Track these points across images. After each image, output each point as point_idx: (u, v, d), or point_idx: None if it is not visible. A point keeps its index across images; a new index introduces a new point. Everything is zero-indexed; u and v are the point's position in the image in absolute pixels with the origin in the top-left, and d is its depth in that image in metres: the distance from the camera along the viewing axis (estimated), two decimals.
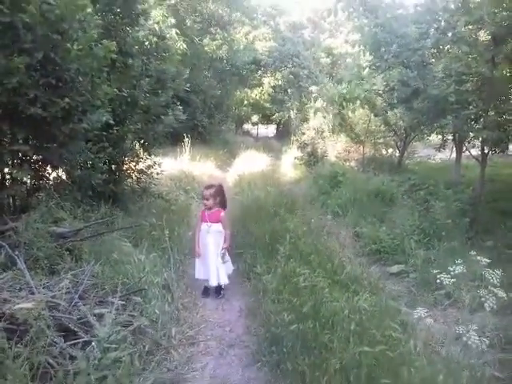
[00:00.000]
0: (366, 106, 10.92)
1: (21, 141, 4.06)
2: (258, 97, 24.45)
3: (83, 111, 4.27)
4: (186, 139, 13.23)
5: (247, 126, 30.83)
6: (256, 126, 30.47)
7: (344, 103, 9.72)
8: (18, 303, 2.53)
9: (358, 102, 9.69)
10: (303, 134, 15.06)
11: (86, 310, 2.75)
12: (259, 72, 23.51)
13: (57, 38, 3.77)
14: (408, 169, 12.58)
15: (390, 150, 14.49)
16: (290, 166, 13.92)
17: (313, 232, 6.17)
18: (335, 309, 3.67)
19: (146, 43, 6.87)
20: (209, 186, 5.12)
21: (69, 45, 3.90)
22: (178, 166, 11.13)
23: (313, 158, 13.08)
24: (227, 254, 5.05)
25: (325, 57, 23.49)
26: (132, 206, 6.28)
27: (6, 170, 4.22)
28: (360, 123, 13.00)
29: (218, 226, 4.93)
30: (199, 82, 16.64)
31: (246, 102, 24.14)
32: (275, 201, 7.49)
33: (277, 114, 24.88)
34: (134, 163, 6.91)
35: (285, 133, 23.00)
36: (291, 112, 20.46)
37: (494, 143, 6.62)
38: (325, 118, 13.74)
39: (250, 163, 13.37)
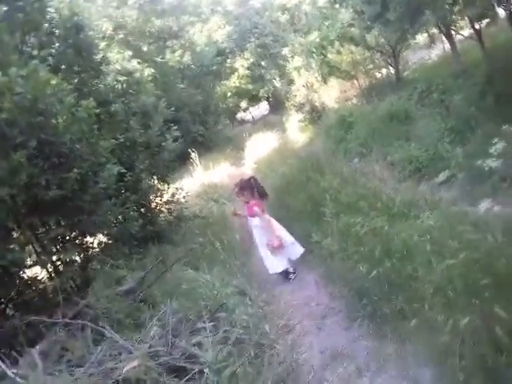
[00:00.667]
0: (345, 43, 10.68)
1: (54, 226, 4.22)
2: (237, 83, 24.25)
3: (94, 173, 4.36)
4: (193, 154, 13.29)
5: (240, 115, 30.63)
6: (248, 111, 30.22)
7: (323, 50, 9.50)
8: (124, 366, 2.65)
9: (337, 42, 9.44)
10: (295, 96, 14.87)
11: (184, 345, 2.85)
12: (228, 60, 23.24)
13: (40, 120, 3.86)
14: (409, 80, 12.20)
15: (384, 71, 14.10)
16: (297, 131, 13.78)
17: (347, 180, 6.13)
18: (404, 239, 3.65)
19: (118, 86, 6.92)
20: (235, 185, 5.17)
21: (53, 120, 3.99)
22: (196, 181, 11.25)
23: (315, 114, 12.92)
24: (286, 237, 5.00)
25: (281, 15, 22.96)
26: (175, 235, 6.42)
27: (55, 257, 4.38)
28: (344, 59, 12.70)
29: (256, 220, 4.98)
30: (178, 96, 16.64)
31: (229, 94, 23.97)
32: (300, 169, 7.48)
33: (262, 90, 24.61)
34: (158, 198, 7.05)
35: (278, 104, 22.73)
36: (274, 82, 20.21)
37: (480, 16, 6.34)
38: (308, 71, 13.53)
39: (259, 147, 13.36)
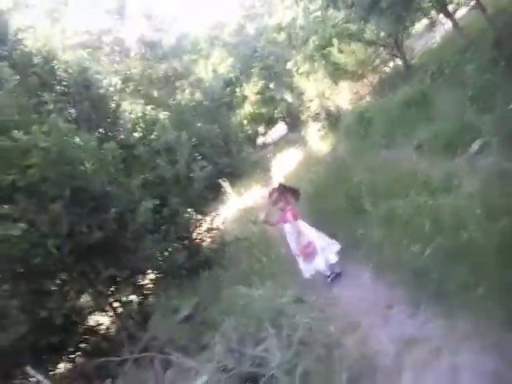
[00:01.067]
0: (344, 40, 10.74)
1: (103, 268, 4.35)
2: (251, 109, 24.64)
3: (131, 211, 4.50)
4: (223, 183, 13.50)
5: (260, 140, 30.95)
6: (267, 135, 30.52)
7: (324, 50, 9.55)
8: None
9: (336, 41, 9.48)
10: (308, 107, 14.95)
11: (251, 352, 2.82)
12: (237, 89, 23.74)
13: (69, 169, 4.04)
14: (418, 66, 12.07)
15: (392, 64, 14.05)
16: (318, 140, 13.73)
17: (378, 171, 6.03)
18: (451, 209, 3.54)
19: (138, 131, 7.18)
20: (269, 195, 5.18)
21: (81, 167, 4.17)
22: (231, 208, 11.39)
23: (332, 119, 12.91)
24: (319, 240, 4.93)
25: (277, 35, 23.39)
26: (222, 260, 6.45)
27: (111, 299, 4.50)
28: (349, 61, 12.75)
29: (287, 226, 4.97)
30: (197, 133, 17.02)
31: (245, 121, 24.35)
32: (327, 172, 7.47)
33: (276, 111, 24.87)
34: (198, 228, 7.16)
35: (294, 121, 22.84)
36: (284, 98, 20.43)
37: None
38: (314, 77, 13.65)
39: (284, 164, 13.44)
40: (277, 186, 5.23)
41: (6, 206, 3.93)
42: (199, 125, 17.75)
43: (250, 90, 23.69)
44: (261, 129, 28.01)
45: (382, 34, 12.35)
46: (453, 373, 2.90)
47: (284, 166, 13.27)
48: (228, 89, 21.71)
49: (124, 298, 4.38)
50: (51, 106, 5.01)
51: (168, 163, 6.85)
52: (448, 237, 3.38)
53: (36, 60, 6.28)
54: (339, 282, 4.95)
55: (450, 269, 3.27)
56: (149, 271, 5.17)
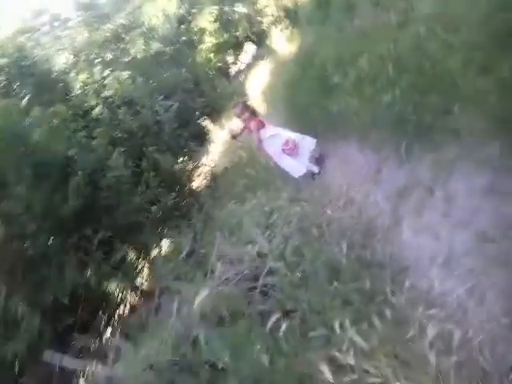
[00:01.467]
0: None
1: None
2: (213, 40, 23.32)
3: (101, 169, 4.33)
4: (204, 123, 13.17)
5: (233, 69, 29.66)
6: (238, 62, 29.11)
7: None
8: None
9: None
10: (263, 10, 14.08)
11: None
12: (192, 25, 22.37)
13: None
14: None
15: None
16: (285, 43, 12.97)
17: (344, 44, 5.59)
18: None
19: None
20: (234, 113, 5.24)
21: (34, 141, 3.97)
22: (219, 144, 11.19)
23: (291, 15, 12.15)
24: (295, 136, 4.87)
25: None
26: (216, 192, 6.38)
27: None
28: None
29: (262, 133, 4.93)
30: (165, 81, 16.36)
31: (211, 55, 23.16)
32: (299, 71, 7.06)
33: (238, 33, 23.52)
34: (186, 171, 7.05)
35: (259, 34, 21.58)
36: (239, 11, 19.32)
37: None
38: None
39: (258, 80, 12.97)
40: (238, 103, 5.26)
41: None
42: (164, 74, 16.99)
43: (206, 19, 22.26)
44: (230, 58, 26.68)
45: None
46: (448, 203, 2.81)
47: (258, 83, 12.71)
48: (182, 26, 20.42)
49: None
50: None
51: (131, 115, 6.58)
52: (413, 73, 3.10)
53: None
54: (326, 167, 4.80)
55: (422, 103, 3.05)
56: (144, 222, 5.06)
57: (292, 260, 2.52)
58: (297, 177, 4.91)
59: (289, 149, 4.78)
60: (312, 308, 2.20)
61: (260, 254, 2.84)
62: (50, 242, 3.93)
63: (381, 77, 3.43)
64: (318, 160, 4.86)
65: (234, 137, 5.46)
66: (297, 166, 4.85)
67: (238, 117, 5.07)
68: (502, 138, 2.53)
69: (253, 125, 4.89)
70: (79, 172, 4.01)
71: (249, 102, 5.41)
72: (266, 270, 2.63)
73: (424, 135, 3.24)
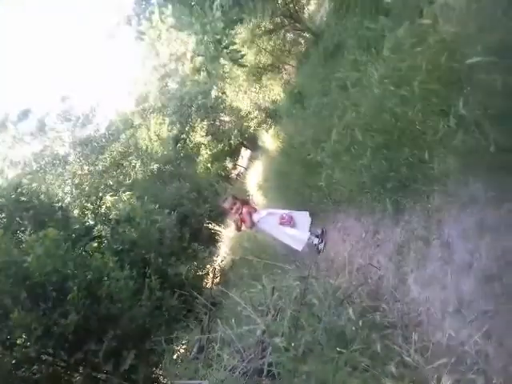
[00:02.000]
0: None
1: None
2: (208, 152, 24.74)
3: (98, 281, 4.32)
4: (211, 225, 13.39)
5: (234, 173, 31.01)
6: (237, 167, 30.52)
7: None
8: None
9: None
10: (247, 115, 15.17)
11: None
12: (188, 141, 23.92)
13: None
14: (323, 27, 12.19)
15: (302, 41, 14.20)
16: (272, 139, 13.75)
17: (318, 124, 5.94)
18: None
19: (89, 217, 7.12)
20: (228, 208, 5.43)
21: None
22: (226, 242, 11.26)
23: (272, 114, 13.03)
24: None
25: (197, 76, 23.90)
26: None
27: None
28: (260, 57, 12.99)
29: (256, 216, 5.20)
30: (170, 196, 17.00)
31: (209, 165, 24.38)
32: (284, 160, 7.45)
33: (231, 141, 25.02)
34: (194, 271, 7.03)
35: (252, 140, 22.95)
36: (225, 120, 20.74)
37: None
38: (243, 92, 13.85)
39: (256, 179, 13.43)
40: (226, 198, 5.58)
41: None
42: (167, 189, 17.75)
43: (199, 134, 23.88)
44: (228, 164, 28.01)
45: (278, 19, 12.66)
46: (446, 250, 2.74)
47: (255, 180, 13.20)
48: (178, 145, 21.87)
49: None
50: None
51: (132, 227, 6.73)
52: (379, 132, 3.24)
53: None
54: (328, 240, 4.81)
55: (395, 158, 3.14)
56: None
57: (292, 334, 2.38)
58: (300, 249, 4.98)
59: (286, 221, 4.97)
60: (319, 379, 2.02)
61: (263, 334, 2.71)
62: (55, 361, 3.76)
63: (352, 144, 3.57)
64: (320, 234, 4.99)
65: (238, 229, 5.51)
66: (297, 236, 4.98)
67: (231, 209, 5.29)
68: (478, 173, 2.55)
69: (245, 211, 5.13)
70: (74, 287, 3.99)
71: (236, 196, 5.66)
72: (269, 350, 2.48)
73: (407, 188, 3.29)
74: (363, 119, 3.37)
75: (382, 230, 3.80)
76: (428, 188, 3.07)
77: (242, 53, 8.05)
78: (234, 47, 7.61)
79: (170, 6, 6.60)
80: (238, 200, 5.39)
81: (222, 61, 7.16)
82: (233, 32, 5.48)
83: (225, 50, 7.33)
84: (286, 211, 5.15)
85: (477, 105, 2.33)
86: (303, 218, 5.04)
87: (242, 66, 6.87)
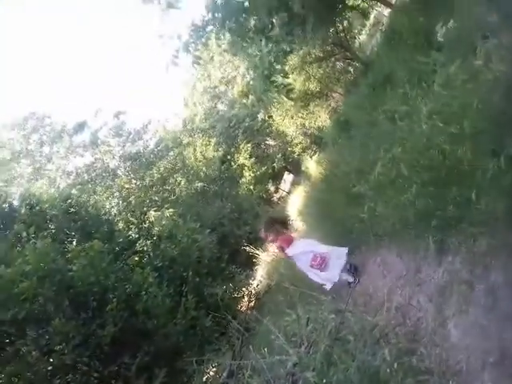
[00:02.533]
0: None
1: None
2: (251, 174, 24.99)
3: (136, 295, 4.44)
4: (249, 248, 13.43)
5: (275, 197, 31.04)
6: (279, 190, 30.60)
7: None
8: None
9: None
10: (292, 141, 15.22)
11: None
12: (232, 162, 24.33)
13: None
14: (373, 57, 12.18)
15: (351, 69, 14.31)
16: (316, 167, 13.75)
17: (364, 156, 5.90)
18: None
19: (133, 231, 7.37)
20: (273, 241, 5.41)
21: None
22: (264, 266, 11.25)
23: (317, 141, 13.02)
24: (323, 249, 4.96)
25: (245, 100, 24.45)
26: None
27: None
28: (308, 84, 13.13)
29: (290, 250, 5.08)
30: (212, 215, 17.22)
31: (251, 187, 24.60)
32: (327, 188, 7.41)
33: (275, 164, 25.19)
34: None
35: (294, 163, 23.03)
36: (272, 144, 20.90)
37: None
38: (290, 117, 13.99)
39: (297, 205, 13.41)
40: (263, 229, 5.47)
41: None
42: (209, 208, 18.03)
43: (243, 156, 24.25)
44: (271, 187, 28.15)
45: (328, 47, 12.81)
46: (491, 297, 2.61)
47: (296, 206, 13.19)
48: (223, 166, 22.27)
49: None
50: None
51: (172, 244, 6.89)
52: (426, 168, 3.18)
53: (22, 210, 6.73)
54: (361, 275, 4.69)
55: (441, 196, 3.06)
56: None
57: (324, 369, 2.33)
58: (328, 288, 4.84)
59: (317, 264, 4.83)
60: None
61: (294, 367, 2.66)
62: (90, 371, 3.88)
63: (397, 178, 3.51)
64: (350, 270, 4.84)
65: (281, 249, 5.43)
66: (326, 280, 4.83)
67: (277, 243, 5.25)
68: None
69: (278, 245, 5.17)
70: (114, 299, 4.13)
71: (273, 218, 5.80)
72: (300, 382, 2.44)
73: (453, 228, 3.18)
74: (410, 154, 3.32)
75: (423, 269, 3.67)
76: (475, 230, 2.95)
77: (290, 87, 8.17)
78: (281, 81, 7.85)
79: (227, 34, 6.93)
80: (276, 223, 5.37)
81: (269, 94, 7.34)
82: (279, 68, 5.64)
83: (273, 84, 7.50)
84: (324, 248, 5.00)
85: None
86: (339, 257, 4.88)
87: (289, 98, 7.01)
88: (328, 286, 4.82)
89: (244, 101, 26.31)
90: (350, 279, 4.74)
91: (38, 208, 6.76)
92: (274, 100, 11.30)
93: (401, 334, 3.15)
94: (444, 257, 3.36)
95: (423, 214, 3.37)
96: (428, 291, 3.41)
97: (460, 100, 2.70)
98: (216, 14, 6.80)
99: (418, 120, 3.13)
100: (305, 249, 5.00)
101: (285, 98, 13.05)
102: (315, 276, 4.90)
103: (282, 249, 5.14)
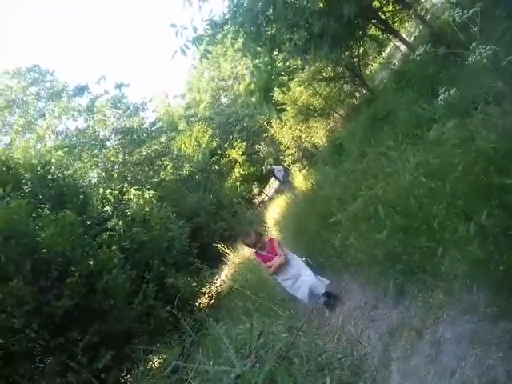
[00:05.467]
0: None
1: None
2: (241, 171, 25.09)
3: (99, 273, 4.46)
4: (219, 246, 13.45)
5: (258, 199, 31.11)
6: (263, 194, 30.69)
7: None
8: None
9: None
10: (285, 150, 15.35)
11: None
12: (222, 157, 24.37)
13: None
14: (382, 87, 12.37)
15: (358, 95, 14.50)
16: (302, 180, 13.87)
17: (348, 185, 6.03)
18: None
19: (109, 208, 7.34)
20: (247, 237, 4.86)
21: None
22: (230, 266, 11.33)
23: (309, 157, 13.17)
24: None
25: (250, 98, 24.50)
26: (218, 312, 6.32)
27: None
28: (306, 98, 13.26)
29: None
30: (191, 204, 17.19)
31: (238, 184, 24.68)
32: (308, 207, 7.53)
33: (263, 167, 25.31)
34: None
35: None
36: (263, 146, 21.01)
37: None
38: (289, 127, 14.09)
39: (275, 212, 13.46)
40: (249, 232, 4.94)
41: None
42: (190, 197, 18.00)
43: (236, 152, 24.30)
44: (255, 188, 28.25)
45: (340, 69, 12.94)
46: (435, 348, 2.73)
47: (275, 215, 13.25)
48: (213, 158, 22.27)
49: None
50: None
51: (144, 229, 6.90)
52: (402, 214, 3.31)
53: None
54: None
55: (410, 243, 3.19)
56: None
57: None
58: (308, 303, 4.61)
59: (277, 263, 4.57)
60: None
61: (236, 379, 2.74)
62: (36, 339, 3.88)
63: (374, 216, 3.64)
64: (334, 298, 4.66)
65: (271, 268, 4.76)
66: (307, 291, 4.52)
67: (254, 246, 4.72)
68: (483, 285, 2.57)
69: (275, 245, 4.71)
70: (76, 273, 4.13)
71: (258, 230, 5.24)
72: None
73: (415, 275, 3.31)
74: (390, 197, 3.45)
75: (380, 306, 3.80)
76: (434, 282, 3.08)
77: (282, 106, 8.25)
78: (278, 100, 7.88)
79: (241, 39, 6.94)
80: (262, 236, 4.84)
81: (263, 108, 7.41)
82: (283, 80, 5.70)
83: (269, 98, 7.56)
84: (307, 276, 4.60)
85: (499, 221, 2.38)
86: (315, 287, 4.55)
87: (278, 117, 7.05)
88: (308, 301, 4.59)
89: (247, 99, 26.46)
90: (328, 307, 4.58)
91: (13, 170, 6.64)
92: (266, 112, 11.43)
93: (346, 365, 3.25)
94: (401, 300, 3.49)
95: (391, 255, 3.50)
96: (380, 329, 3.53)
97: (446, 160, 2.82)
98: (237, 15, 6.83)
99: (403, 168, 3.25)
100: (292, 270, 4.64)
101: (288, 106, 13.21)
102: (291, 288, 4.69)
103: (261, 256, 4.73)
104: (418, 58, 2.42)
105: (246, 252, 11.78)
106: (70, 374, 4.08)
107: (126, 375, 4.70)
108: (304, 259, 4.86)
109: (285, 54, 9.16)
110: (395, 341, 3.22)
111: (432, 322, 2.96)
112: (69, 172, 8.23)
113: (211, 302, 7.06)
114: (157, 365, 4.49)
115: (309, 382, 2.69)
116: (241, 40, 7.69)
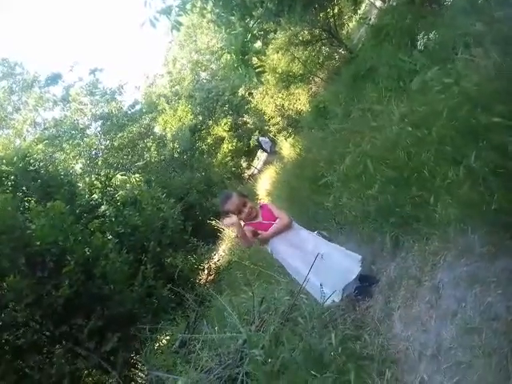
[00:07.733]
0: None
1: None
2: (229, 147, 24.91)
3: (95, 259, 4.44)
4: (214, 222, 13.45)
5: (247, 173, 31.01)
6: (252, 167, 30.58)
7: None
8: None
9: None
10: (269, 120, 15.24)
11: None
12: (206, 133, 24.11)
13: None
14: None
15: (337, 56, 14.26)
16: (289, 148, 13.84)
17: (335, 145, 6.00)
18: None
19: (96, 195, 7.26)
20: (228, 200, 3.35)
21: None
22: (227, 241, 11.32)
23: (294, 124, 13.09)
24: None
25: (230, 71, 24.07)
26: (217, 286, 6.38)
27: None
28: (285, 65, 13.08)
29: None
30: (180, 184, 17.10)
31: (227, 159, 24.55)
32: (296, 174, 7.51)
33: (251, 141, 25.15)
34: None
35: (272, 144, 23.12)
36: (246, 118, 20.86)
37: None
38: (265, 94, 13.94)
39: (266, 185, 13.46)
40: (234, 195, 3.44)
41: None
42: (178, 177, 17.90)
43: (222, 129, 24.05)
44: (243, 163, 28.15)
45: (317, 31, 12.70)
46: (435, 294, 2.79)
47: (265, 186, 13.27)
48: (196, 135, 22.01)
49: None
50: None
51: (136, 212, 6.85)
52: (391, 167, 3.31)
53: None
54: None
55: (402, 195, 3.21)
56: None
57: (272, 349, 2.45)
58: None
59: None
60: None
61: (243, 344, 2.78)
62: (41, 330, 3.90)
63: (363, 173, 3.64)
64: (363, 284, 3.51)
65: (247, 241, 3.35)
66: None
67: (239, 212, 3.26)
68: (477, 226, 2.60)
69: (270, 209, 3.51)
70: (72, 261, 4.12)
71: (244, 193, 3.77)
72: (247, 360, 2.56)
73: (409, 226, 3.34)
74: (378, 151, 3.44)
75: (378, 261, 3.84)
76: (429, 230, 3.11)
77: (261, 69, 8.06)
78: (256, 63, 7.72)
79: (210, 7, 6.72)
80: (246, 197, 3.50)
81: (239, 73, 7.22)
82: (257, 46, 5.55)
83: (246, 63, 7.39)
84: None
85: (488, 161, 2.38)
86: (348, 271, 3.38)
87: (259, 81, 6.89)
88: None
89: (227, 72, 25.98)
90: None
91: None
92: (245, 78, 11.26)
93: (349, 320, 3.31)
94: (398, 252, 3.53)
95: (383, 209, 3.52)
96: (379, 283, 3.58)
97: (431, 107, 2.80)
98: None
99: (389, 120, 3.23)
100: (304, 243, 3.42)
101: (268, 75, 13.01)
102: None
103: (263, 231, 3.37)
104: (394, 4, 2.35)
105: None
106: (78, 361, 4.12)
107: (136, 355, 4.78)
108: (316, 232, 3.66)
109: (257, 19, 8.95)
110: (395, 292, 3.27)
111: (430, 268, 3.00)
112: (52, 164, 8.04)
113: (211, 277, 7.12)
114: (164, 342, 4.56)
115: (314, 339, 2.74)
116: (209, 9, 7.46)
